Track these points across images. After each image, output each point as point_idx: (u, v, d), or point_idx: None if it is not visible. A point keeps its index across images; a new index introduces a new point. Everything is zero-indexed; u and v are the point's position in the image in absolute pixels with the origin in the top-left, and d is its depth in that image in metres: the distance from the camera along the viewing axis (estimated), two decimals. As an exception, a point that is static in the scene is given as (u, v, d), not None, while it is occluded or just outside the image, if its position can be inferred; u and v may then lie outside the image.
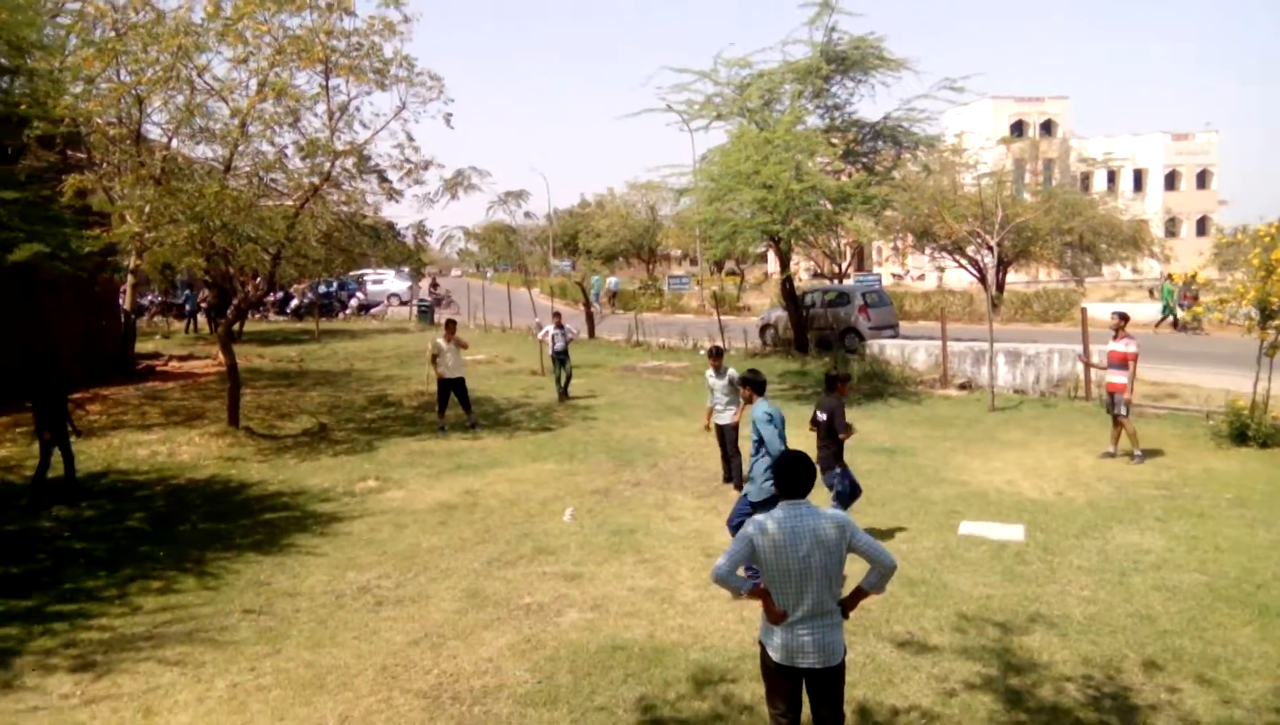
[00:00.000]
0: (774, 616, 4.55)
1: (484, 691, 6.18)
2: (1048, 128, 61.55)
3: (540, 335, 20.00)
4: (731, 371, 11.02)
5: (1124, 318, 12.46)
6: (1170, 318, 28.21)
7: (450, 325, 15.62)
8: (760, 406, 8.34)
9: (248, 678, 6.44)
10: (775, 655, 4.57)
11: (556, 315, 18.88)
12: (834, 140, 21.71)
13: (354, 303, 41.78)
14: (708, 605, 7.47)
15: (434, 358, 15.16)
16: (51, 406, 10.66)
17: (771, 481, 7.78)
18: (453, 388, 15.15)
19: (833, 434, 8.87)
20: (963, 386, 18.17)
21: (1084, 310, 17.99)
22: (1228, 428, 12.66)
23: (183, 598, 8.03)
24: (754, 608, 7.36)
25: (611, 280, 46.00)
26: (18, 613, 7.70)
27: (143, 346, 25.34)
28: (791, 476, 4.60)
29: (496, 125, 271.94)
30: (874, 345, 21.57)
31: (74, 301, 18.28)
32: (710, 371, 11.22)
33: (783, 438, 8.19)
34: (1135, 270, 43.24)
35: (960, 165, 36.80)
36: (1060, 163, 57.03)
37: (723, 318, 28.46)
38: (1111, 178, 60.30)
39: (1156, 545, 8.63)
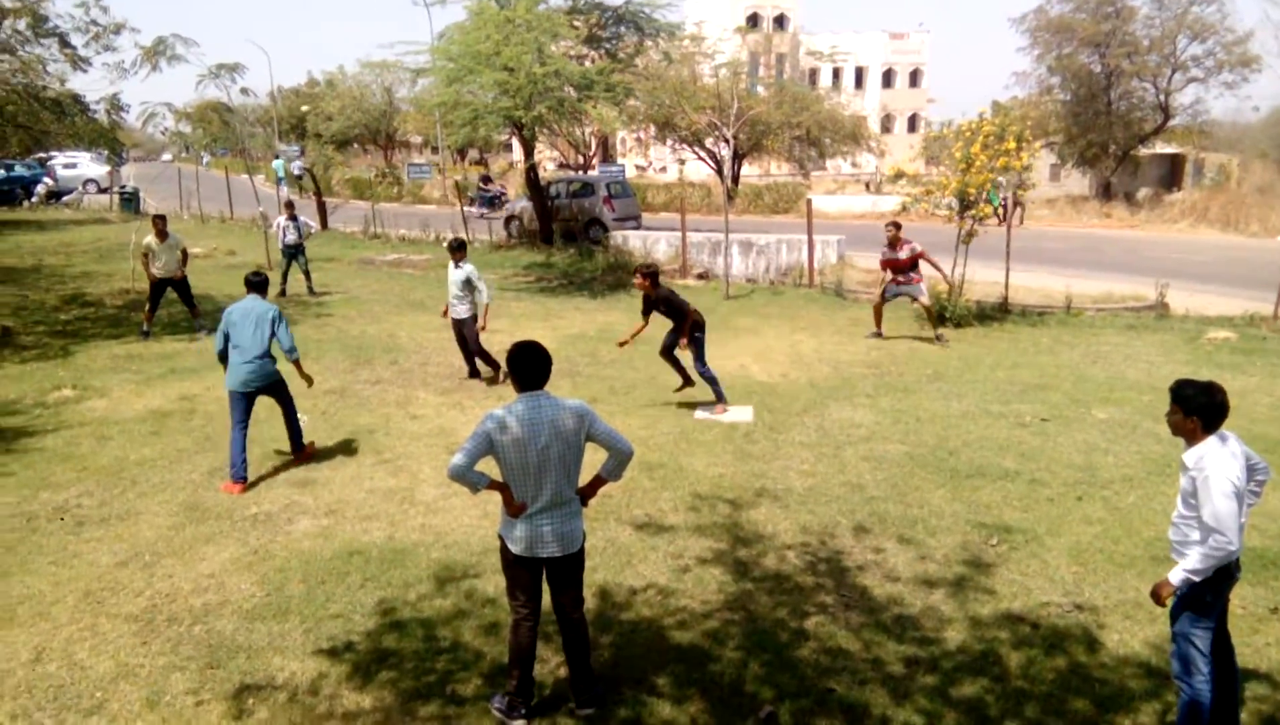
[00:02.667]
0: (513, 510, 4.48)
1: (205, 609, 5.75)
2: (780, 22, 63.75)
3: (272, 228, 18.47)
4: (469, 267, 10.68)
5: (898, 226, 12.77)
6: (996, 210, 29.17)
7: (159, 221, 13.77)
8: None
9: (-87, 621, 5.62)
10: (516, 548, 4.52)
11: (289, 205, 17.39)
12: (576, 23, 21.23)
13: (40, 190, 36.64)
14: (449, 503, 7.33)
15: (144, 257, 13.44)
16: None
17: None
18: (174, 289, 13.55)
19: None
20: (701, 276, 18.82)
21: (809, 202, 19.05)
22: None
23: None
24: (497, 502, 7.32)
25: (295, 164, 43.03)
26: None
27: None
28: (526, 367, 4.46)
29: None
30: (618, 236, 21.83)
31: None
32: (450, 264, 10.85)
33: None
34: (854, 164, 46.37)
35: (700, 55, 37.42)
36: (791, 57, 59.44)
37: (466, 209, 27.65)
38: (836, 74, 63.73)
39: (867, 420, 9.42)
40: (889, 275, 12.95)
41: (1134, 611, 5.61)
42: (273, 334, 7.83)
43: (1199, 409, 4.12)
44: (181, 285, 13.62)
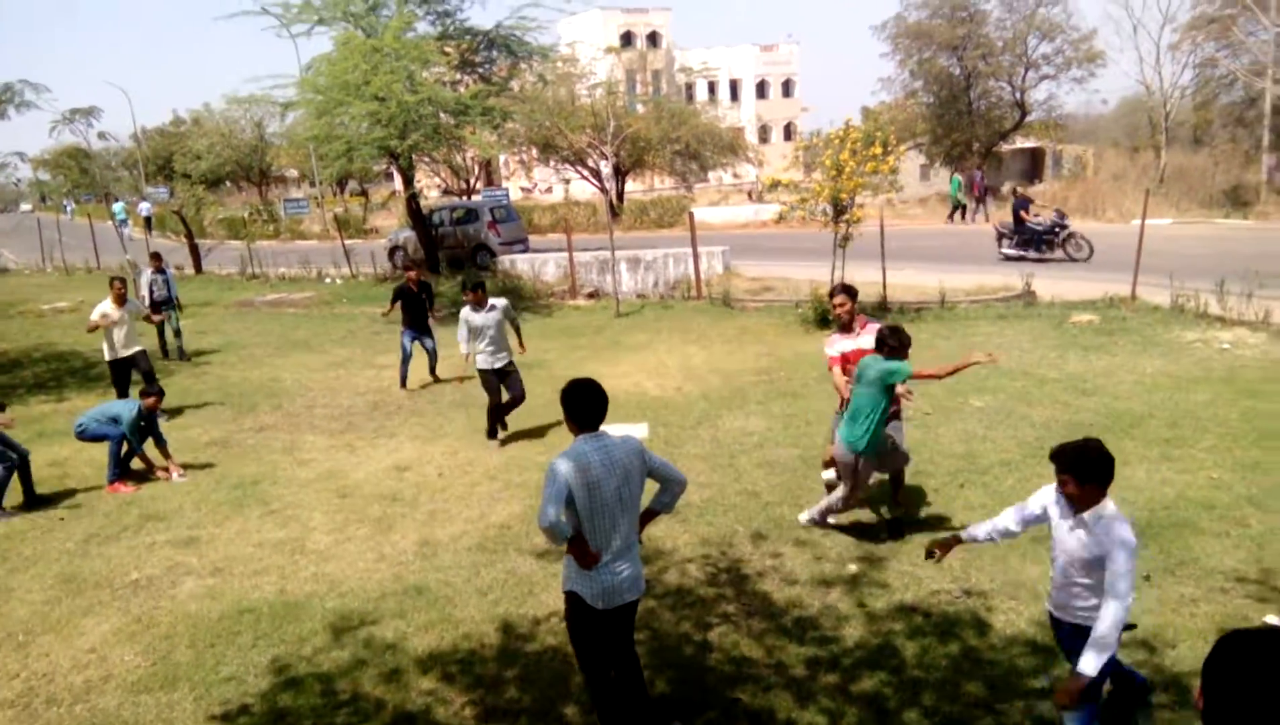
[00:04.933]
0: (590, 560, 4.22)
1: (86, 687, 5.46)
2: (653, 39, 64.62)
3: (141, 277, 17.43)
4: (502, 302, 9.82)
5: (850, 293, 7.34)
6: (959, 210, 29.84)
7: (118, 283, 11.43)
8: None
9: None
10: (598, 603, 4.27)
11: (155, 257, 15.44)
12: (447, 49, 21.10)
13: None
14: (342, 549, 7.15)
15: (104, 329, 11.08)
16: None
17: None
18: (133, 365, 11.35)
19: None
20: (591, 295, 18.87)
21: (691, 215, 19.34)
22: (813, 314, 14.32)
23: None
24: (393, 543, 7.19)
25: (143, 205, 42.30)
26: None
27: None
28: (586, 405, 4.25)
29: (53, 30, 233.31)
30: (505, 261, 21.74)
31: None
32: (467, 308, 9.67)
33: None
34: (735, 175, 47.24)
35: (575, 76, 37.62)
36: (666, 74, 60.29)
37: (348, 242, 27.10)
38: (712, 88, 65.00)
39: (759, 427, 9.60)
40: (844, 382, 7.05)
41: (1017, 592, 5.86)
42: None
43: (1096, 473, 3.85)
44: (143, 358, 11.44)
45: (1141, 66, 34.33)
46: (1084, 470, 3.85)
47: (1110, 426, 8.79)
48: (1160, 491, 7.26)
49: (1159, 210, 25.21)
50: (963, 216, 30.11)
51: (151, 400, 9.20)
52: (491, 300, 9.82)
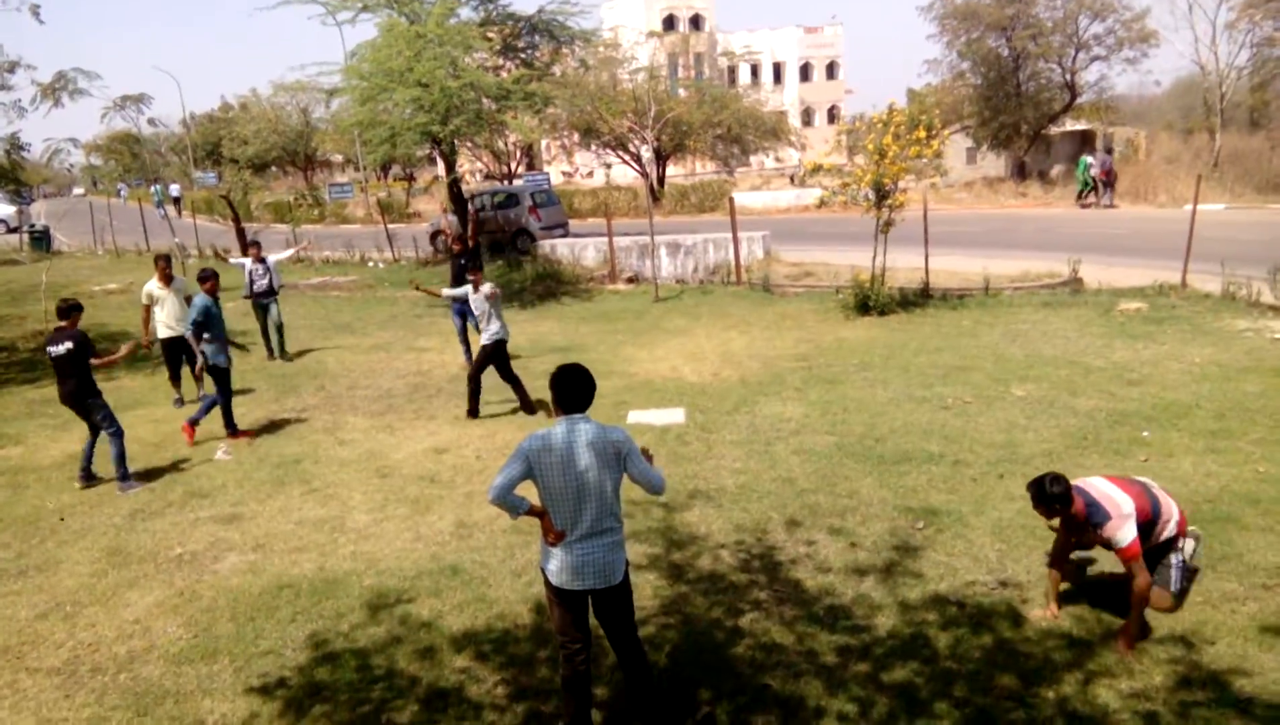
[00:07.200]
0: (552, 537, 4.33)
1: (130, 657, 5.61)
2: (696, 23, 64.18)
3: (189, 260, 17.54)
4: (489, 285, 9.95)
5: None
6: (1088, 191, 28.53)
7: (162, 262, 11.31)
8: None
9: None
10: (554, 579, 4.38)
11: (254, 246, 14.14)
12: (490, 34, 21.14)
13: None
14: (381, 528, 7.25)
15: (146, 309, 11.26)
16: None
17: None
18: (183, 349, 11.01)
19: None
20: (630, 280, 18.87)
21: (731, 200, 19.24)
22: (853, 300, 14.19)
23: None
24: (430, 523, 7.29)
25: (173, 187, 44.14)
26: None
27: None
28: (567, 389, 4.35)
29: (107, 20, 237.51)
30: (545, 245, 21.81)
31: None
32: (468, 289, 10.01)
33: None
34: (778, 159, 46.86)
35: (617, 60, 37.54)
36: (709, 57, 59.85)
37: (391, 226, 27.36)
38: (755, 71, 64.42)
39: (796, 413, 9.54)
40: None
41: (1055, 583, 5.76)
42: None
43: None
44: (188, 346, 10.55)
45: (1196, 46, 33.57)
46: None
47: (1156, 417, 8.63)
48: (1205, 484, 7.11)
49: (1212, 195, 24.56)
50: (1083, 198, 28.74)
51: (209, 284, 9.76)
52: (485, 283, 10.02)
